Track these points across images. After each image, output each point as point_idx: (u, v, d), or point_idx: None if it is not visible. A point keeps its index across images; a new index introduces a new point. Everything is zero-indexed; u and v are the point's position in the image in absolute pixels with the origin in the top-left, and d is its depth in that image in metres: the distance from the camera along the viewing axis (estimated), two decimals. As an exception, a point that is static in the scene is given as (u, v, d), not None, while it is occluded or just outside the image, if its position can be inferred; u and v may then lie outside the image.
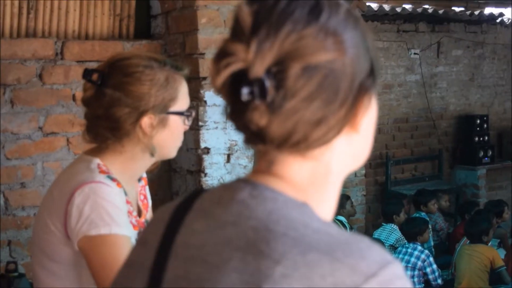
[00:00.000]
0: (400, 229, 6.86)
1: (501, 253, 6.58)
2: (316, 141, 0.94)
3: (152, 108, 1.83)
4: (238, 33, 0.92)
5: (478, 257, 5.94)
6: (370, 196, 8.63)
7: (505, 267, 5.97)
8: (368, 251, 0.88)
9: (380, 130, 8.80)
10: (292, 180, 0.97)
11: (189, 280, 0.93)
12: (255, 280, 0.86)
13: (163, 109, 1.85)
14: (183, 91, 1.91)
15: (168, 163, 4.56)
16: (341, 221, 7.12)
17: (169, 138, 1.90)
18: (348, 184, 8.01)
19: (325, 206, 1.00)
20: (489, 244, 6.39)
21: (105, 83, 1.81)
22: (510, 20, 9.99)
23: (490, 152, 9.28)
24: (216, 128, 4.25)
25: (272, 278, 0.85)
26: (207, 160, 4.18)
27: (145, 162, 1.93)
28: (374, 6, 8.44)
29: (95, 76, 1.82)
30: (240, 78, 0.90)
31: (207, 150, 4.18)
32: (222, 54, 0.92)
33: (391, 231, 6.90)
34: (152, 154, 1.88)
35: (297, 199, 0.95)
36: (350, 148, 0.99)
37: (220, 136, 4.24)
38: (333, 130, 0.94)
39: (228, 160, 4.25)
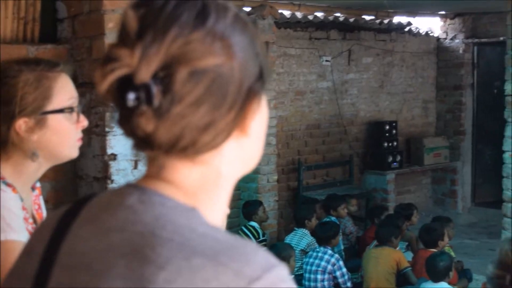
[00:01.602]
0: (313, 234, 6.95)
1: (409, 256, 6.76)
2: (205, 145, 0.94)
3: (24, 110, 1.78)
4: (124, 38, 0.91)
5: (385, 259, 6.09)
6: (283, 201, 8.71)
7: (410, 268, 6.14)
8: (253, 255, 0.89)
9: (292, 136, 8.91)
10: (182, 185, 0.96)
11: None
12: (138, 287, 0.85)
13: (37, 110, 1.79)
14: (59, 87, 1.83)
15: (73, 169, 4.47)
16: (253, 227, 7.16)
17: (54, 139, 1.83)
18: (260, 190, 8.07)
19: (215, 211, 1.00)
20: (398, 247, 6.57)
21: None
22: (418, 29, 10.31)
23: (399, 157, 9.54)
24: (123, 134, 4.18)
25: (155, 284, 0.84)
26: (114, 166, 4.11)
27: (34, 168, 1.86)
28: (287, 13, 8.55)
29: None
30: (126, 83, 0.89)
31: (113, 156, 4.12)
32: (108, 59, 0.91)
33: (302, 236, 6.99)
34: (32, 159, 1.83)
35: (186, 204, 0.94)
36: (241, 152, 1.00)
37: (127, 142, 4.17)
38: (222, 134, 0.95)
39: (135, 167, 4.19)
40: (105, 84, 0.90)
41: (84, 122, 1.89)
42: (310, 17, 8.80)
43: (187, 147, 0.93)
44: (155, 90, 0.89)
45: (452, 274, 5.44)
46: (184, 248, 0.87)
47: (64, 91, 1.85)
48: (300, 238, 6.97)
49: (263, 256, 0.90)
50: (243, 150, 1.00)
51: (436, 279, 5.35)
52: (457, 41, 10.39)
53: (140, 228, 0.90)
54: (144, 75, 0.88)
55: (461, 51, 10.35)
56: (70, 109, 1.85)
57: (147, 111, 0.90)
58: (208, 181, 0.98)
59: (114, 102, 0.93)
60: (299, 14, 8.65)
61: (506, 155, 6.23)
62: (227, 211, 2.27)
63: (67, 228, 0.99)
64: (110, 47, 0.92)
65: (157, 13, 0.91)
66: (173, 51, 0.89)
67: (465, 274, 6.43)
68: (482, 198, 10.54)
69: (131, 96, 0.88)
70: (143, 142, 0.94)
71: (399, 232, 6.53)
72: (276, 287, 0.87)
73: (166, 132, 0.91)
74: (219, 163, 0.98)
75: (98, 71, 0.91)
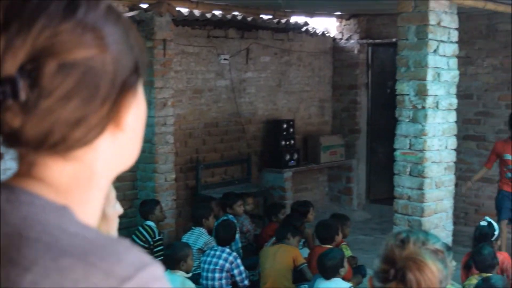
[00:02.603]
0: (210, 232, 6.95)
1: (306, 252, 6.87)
2: (77, 142, 0.90)
3: None
4: None
5: (281, 256, 6.17)
6: (181, 200, 8.67)
7: (306, 264, 6.24)
8: (125, 254, 0.86)
9: (190, 135, 8.88)
10: (53, 182, 0.92)
11: None
12: None
13: None
14: None
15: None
16: (150, 226, 7.08)
17: None
18: (158, 189, 8.00)
19: (89, 209, 0.97)
20: (300, 243, 6.67)
21: None
22: (314, 29, 10.49)
23: (296, 156, 9.68)
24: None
25: (21, 286, 0.81)
26: (1, 166, 3.97)
27: None
28: (185, 11, 8.50)
29: None
30: None
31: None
32: None
33: (200, 235, 6.97)
34: None
35: (57, 202, 0.91)
36: (116, 148, 0.97)
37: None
38: (94, 129, 0.91)
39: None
40: None
41: None
42: (208, 15, 8.79)
43: (57, 143, 0.89)
44: (22, 83, 0.85)
45: (344, 270, 5.56)
46: (52, 248, 0.84)
47: None
48: (198, 237, 6.95)
49: (135, 255, 0.87)
50: (119, 146, 0.97)
51: (326, 276, 5.45)
52: (352, 41, 10.64)
53: (7, 230, 0.86)
54: (9, 68, 0.84)
55: (356, 52, 10.61)
56: None
57: (14, 105, 0.85)
58: (81, 179, 0.94)
59: None
60: (197, 12, 8.63)
61: (398, 153, 6.42)
62: (120, 210, 2.20)
63: None
64: None
65: (23, 3, 0.87)
66: (40, 43, 0.86)
67: (359, 270, 6.58)
68: (376, 195, 10.86)
69: None
70: (10, 139, 0.89)
71: (295, 229, 6.63)
72: (149, 287, 0.85)
73: (34, 128, 0.87)
74: (93, 160, 0.95)
75: None
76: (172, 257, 5.54)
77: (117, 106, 0.93)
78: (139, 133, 1.01)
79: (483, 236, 5.95)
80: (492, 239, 5.95)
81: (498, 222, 7.57)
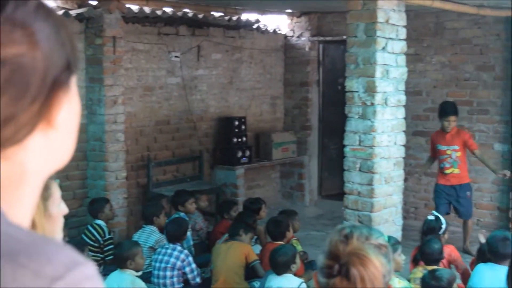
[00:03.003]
0: (161, 230, 6.92)
1: (258, 249, 6.88)
2: (6, 140, 0.88)
3: None
4: None
5: (233, 253, 6.17)
6: (132, 198, 8.60)
7: (258, 261, 6.26)
8: (55, 253, 0.85)
9: (141, 133, 8.81)
10: (-18, 182, 0.90)
11: None
12: None
13: None
14: None
15: None
16: (99, 225, 7.01)
17: None
18: (109, 187, 7.93)
19: (21, 209, 0.95)
20: (252, 240, 6.69)
21: None
22: (266, 27, 10.51)
23: (248, 152, 9.70)
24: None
25: None
26: None
27: None
28: (135, 8, 8.43)
29: None
30: None
31: None
32: None
33: (151, 233, 6.93)
34: None
35: None
36: (48, 146, 0.95)
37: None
38: (25, 128, 0.89)
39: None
40: None
41: None
42: (159, 12, 8.73)
43: (-15, 142, 0.87)
44: None
45: (296, 266, 5.59)
46: (-20, 249, 0.82)
47: None
48: (149, 235, 6.91)
49: (67, 254, 0.86)
50: (51, 145, 0.95)
51: (278, 272, 5.48)
52: (303, 39, 10.70)
53: None
54: None
55: (307, 49, 10.67)
56: None
57: None
58: (12, 178, 0.92)
59: None
60: (147, 9, 8.56)
61: (348, 149, 6.48)
62: (65, 210, 2.15)
63: None
64: None
65: None
66: None
67: (310, 265, 6.62)
68: (327, 191, 10.95)
69: None
70: None
71: (248, 226, 6.64)
72: (80, 286, 0.84)
73: None
74: (24, 159, 0.93)
75: None
76: (120, 256, 5.50)
77: (48, 104, 0.91)
78: (72, 130, 0.99)
79: (431, 230, 6.05)
80: (440, 232, 6.06)
81: None
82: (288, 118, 10.98)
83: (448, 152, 7.97)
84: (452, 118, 7.92)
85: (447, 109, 7.99)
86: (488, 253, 5.12)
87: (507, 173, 7.94)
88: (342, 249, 1.96)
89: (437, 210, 7.90)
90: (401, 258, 5.18)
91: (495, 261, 5.02)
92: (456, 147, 7.93)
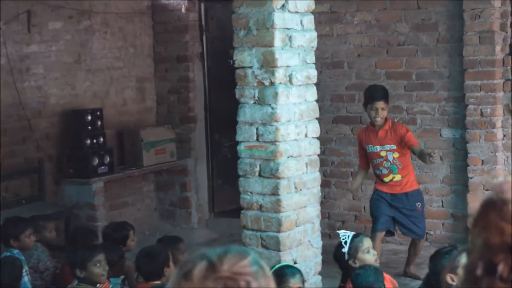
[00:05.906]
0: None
1: None
2: None
3: None
4: None
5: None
6: None
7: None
8: None
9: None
10: None
11: None
12: None
13: None
14: None
15: None
16: None
17: None
18: None
19: None
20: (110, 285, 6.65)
21: None
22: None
23: (108, 158, 9.63)
24: None
25: None
26: None
27: None
28: None
29: None
30: None
31: None
32: None
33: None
34: None
35: None
36: None
37: None
38: None
39: None
40: None
41: None
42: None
43: None
44: None
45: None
46: None
47: None
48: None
49: None
50: None
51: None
52: (178, -4, 10.72)
53: None
54: None
55: (183, 10, 10.66)
56: None
57: None
58: None
59: None
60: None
61: (242, 147, 6.48)
62: None
63: None
64: None
65: None
66: None
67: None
68: (222, 206, 11.01)
69: None
70: None
71: (110, 264, 6.59)
72: None
73: None
74: None
75: None
76: None
77: None
78: None
79: (340, 262, 6.15)
80: (346, 258, 6.09)
81: (372, 233, 7.85)
82: (163, 107, 10.97)
83: (383, 154, 8.08)
84: (381, 104, 8.01)
85: (372, 93, 8.10)
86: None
87: (435, 153, 7.72)
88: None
89: (374, 225, 8.05)
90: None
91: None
92: (393, 147, 8.04)
